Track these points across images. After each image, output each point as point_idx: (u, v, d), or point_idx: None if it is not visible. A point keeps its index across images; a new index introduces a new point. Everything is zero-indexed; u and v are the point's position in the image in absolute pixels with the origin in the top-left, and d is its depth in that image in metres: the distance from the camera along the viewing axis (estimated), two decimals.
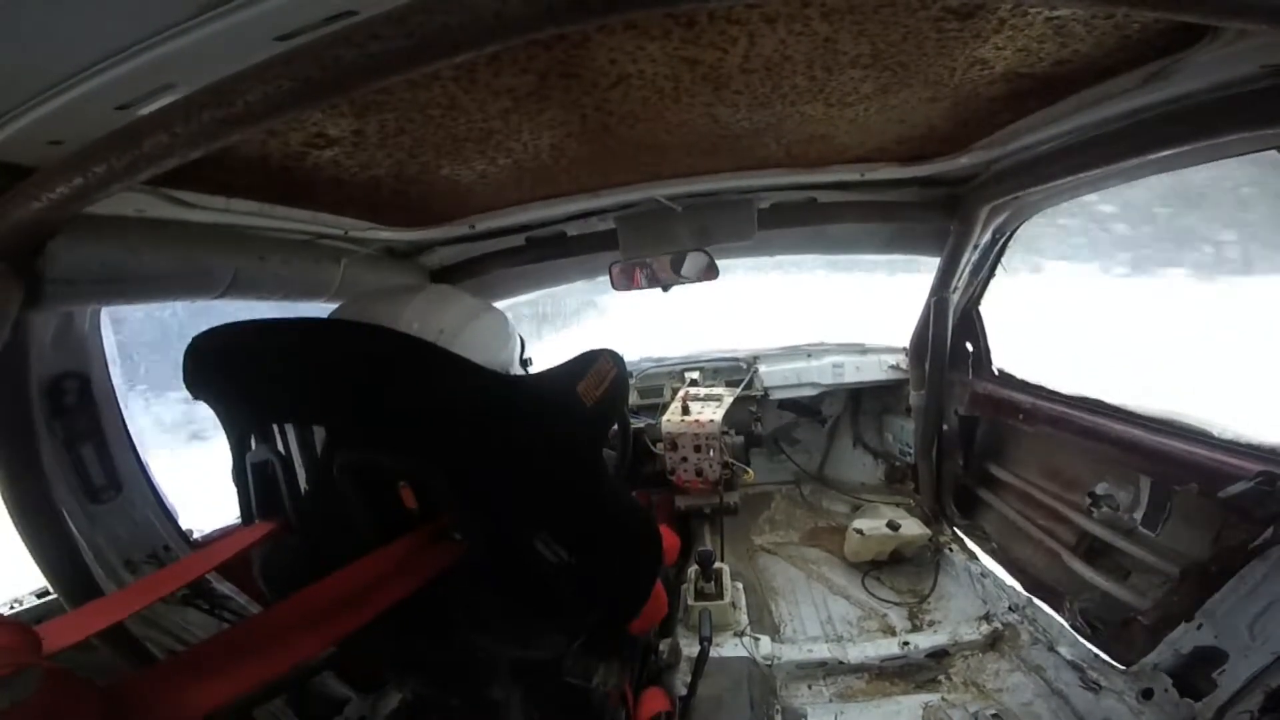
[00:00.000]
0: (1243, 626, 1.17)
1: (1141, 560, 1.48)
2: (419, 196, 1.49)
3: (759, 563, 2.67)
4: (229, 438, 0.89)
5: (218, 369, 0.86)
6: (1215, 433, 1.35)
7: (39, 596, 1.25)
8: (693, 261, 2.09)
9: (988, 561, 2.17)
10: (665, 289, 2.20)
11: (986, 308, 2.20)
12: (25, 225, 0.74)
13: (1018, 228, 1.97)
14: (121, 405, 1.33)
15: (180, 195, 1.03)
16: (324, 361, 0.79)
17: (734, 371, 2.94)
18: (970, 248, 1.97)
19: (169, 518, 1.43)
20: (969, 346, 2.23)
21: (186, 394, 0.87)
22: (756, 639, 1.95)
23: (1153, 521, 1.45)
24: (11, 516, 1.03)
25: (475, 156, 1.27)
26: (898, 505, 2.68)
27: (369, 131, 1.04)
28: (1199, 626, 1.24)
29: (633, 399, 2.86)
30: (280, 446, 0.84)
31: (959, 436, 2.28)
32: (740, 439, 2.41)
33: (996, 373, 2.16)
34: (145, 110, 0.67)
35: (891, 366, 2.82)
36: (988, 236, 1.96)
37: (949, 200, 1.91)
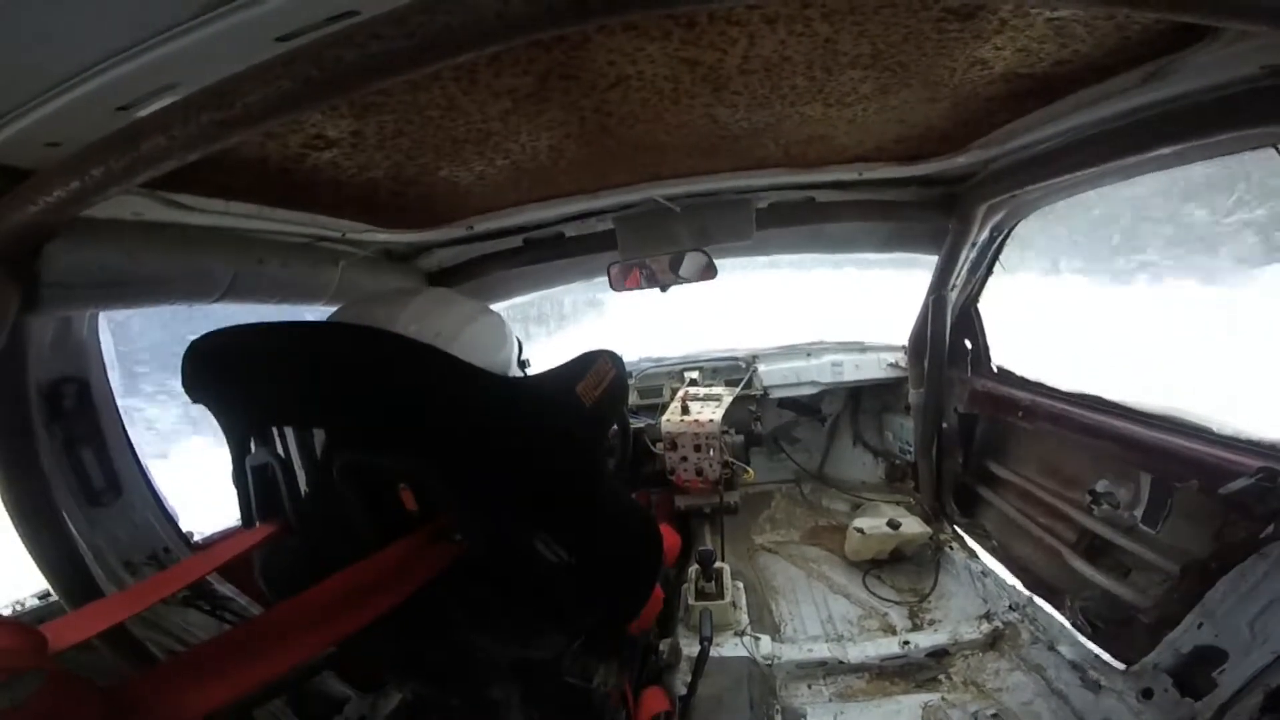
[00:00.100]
0: (1243, 625, 1.17)
1: (1142, 558, 1.49)
2: (417, 198, 1.49)
3: (759, 562, 2.67)
4: (228, 440, 0.89)
5: (217, 372, 0.86)
6: (1215, 429, 1.35)
7: (40, 598, 1.25)
8: (691, 261, 2.09)
9: (988, 560, 2.17)
10: (664, 289, 2.19)
11: (985, 305, 2.21)
12: (23, 228, 0.74)
13: (1015, 225, 1.97)
14: (120, 408, 1.33)
15: (178, 198, 1.02)
16: (323, 364, 0.79)
17: (733, 371, 2.94)
18: (968, 246, 1.97)
19: (169, 520, 1.43)
20: (968, 344, 2.24)
21: None
22: (757, 638, 1.95)
23: (1153, 519, 1.45)
24: (12, 519, 1.03)
25: (474, 158, 1.27)
26: (898, 504, 2.68)
27: (368, 133, 1.04)
28: (1199, 625, 1.25)
29: (632, 399, 2.86)
30: (280, 449, 0.84)
31: (959, 434, 2.28)
32: (740, 438, 2.41)
33: (995, 370, 2.16)
34: (144, 112, 0.67)
35: (891, 365, 2.82)
36: (985, 235, 1.96)
37: (947, 199, 1.92)
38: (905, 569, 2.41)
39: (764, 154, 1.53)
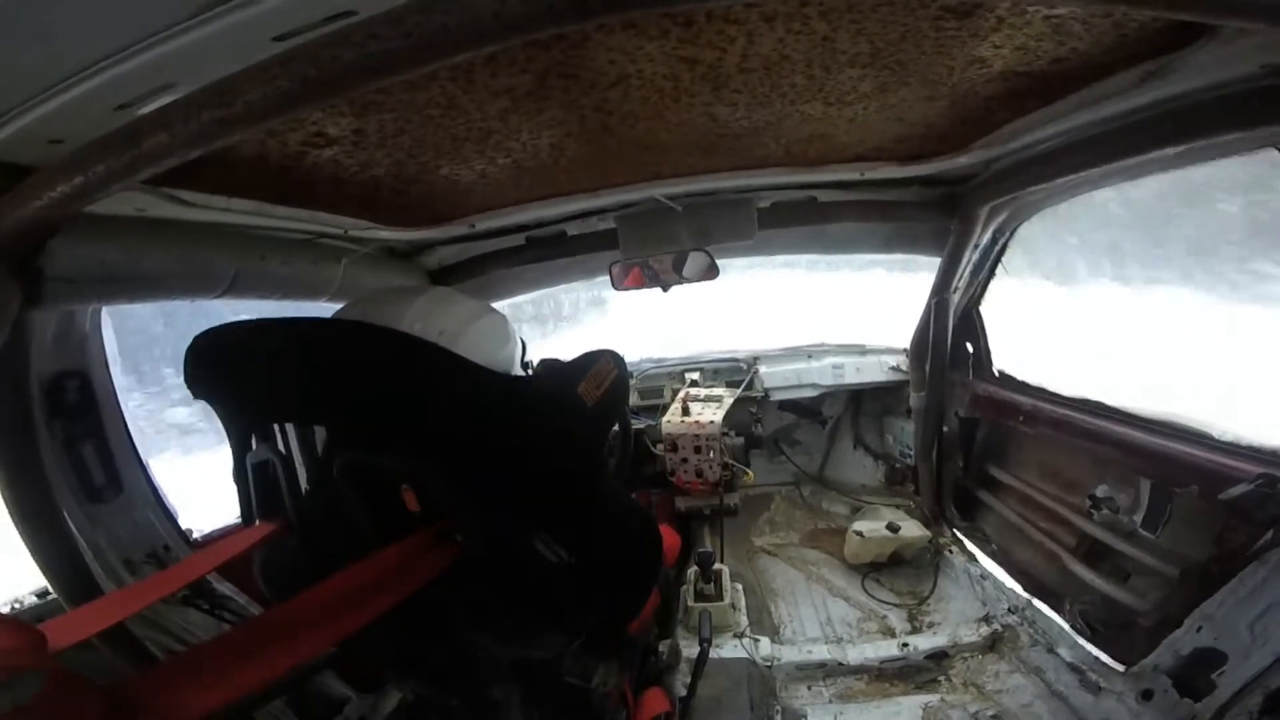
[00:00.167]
0: (1243, 628, 1.16)
1: (1141, 562, 1.48)
2: (419, 196, 1.50)
3: (759, 564, 2.66)
4: (230, 437, 0.89)
5: (219, 368, 0.86)
6: (1215, 435, 1.35)
7: (39, 596, 1.25)
8: (693, 261, 2.09)
9: (987, 563, 2.16)
10: (665, 289, 2.19)
11: (987, 308, 2.20)
12: (25, 224, 0.74)
13: (1018, 227, 1.97)
14: (121, 405, 1.34)
15: (180, 194, 1.03)
16: (325, 362, 0.79)
17: (734, 372, 2.94)
18: (970, 247, 1.97)
19: (169, 518, 1.43)
20: (969, 347, 2.23)
21: None
22: (756, 640, 1.95)
23: (1153, 524, 1.45)
24: (11, 516, 1.03)
25: (475, 156, 1.27)
26: (898, 507, 2.68)
27: (368, 131, 1.04)
28: (1199, 628, 1.24)
29: (633, 400, 2.87)
30: (281, 446, 0.84)
31: (959, 438, 2.28)
32: (740, 440, 2.41)
33: (997, 374, 2.15)
34: (145, 110, 0.67)
35: (892, 368, 2.81)
36: (988, 236, 1.96)
37: (949, 200, 1.91)
38: (904, 572, 2.41)
39: (764, 153, 1.54)
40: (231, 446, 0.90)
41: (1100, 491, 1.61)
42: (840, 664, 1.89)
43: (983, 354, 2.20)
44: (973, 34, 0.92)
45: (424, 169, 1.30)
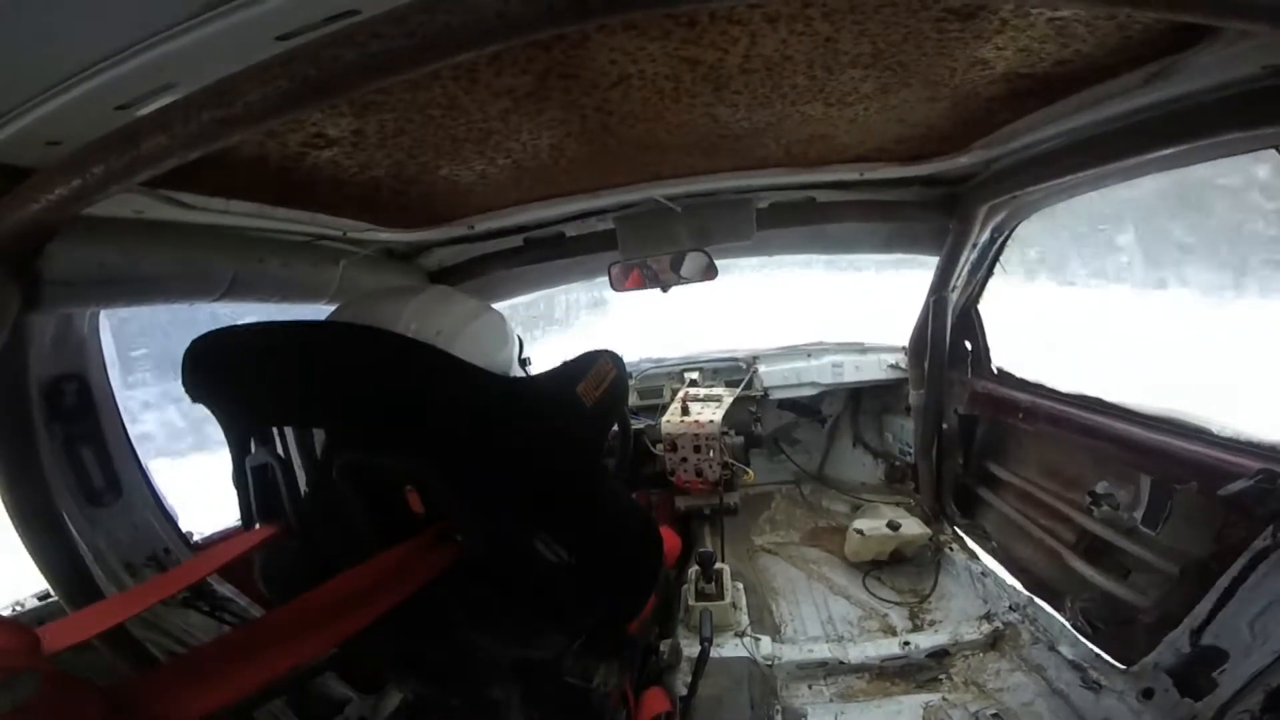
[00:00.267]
0: (1243, 626, 1.17)
1: (1142, 559, 1.48)
2: (418, 197, 1.49)
3: (759, 563, 2.67)
4: (228, 441, 0.89)
5: (217, 372, 0.86)
6: (1215, 431, 1.35)
7: (40, 599, 1.25)
8: (692, 261, 2.09)
9: (988, 561, 2.17)
10: (664, 289, 2.19)
11: (985, 307, 2.21)
12: (24, 227, 0.74)
13: (1016, 227, 1.97)
14: (120, 408, 1.33)
15: (179, 196, 1.02)
16: (323, 364, 0.79)
17: (733, 372, 2.94)
18: (969, 247, 1.97)
19: (169, 520, 1.43)
20: (968, 345, 2.23)
21: None
22: (757, 639, 1.95)
23: (1153, 520, 1.45)
24: (11, 519, 1.02)
25: (474, 157, 1.27)
26: (898, 505, 2.68)
27: (368, 132, 1.04)
28: (1199, 626, 1.24)
29: (632, 399, 2.86)
30: (280, 449, 0.84)
31: (959, 436, 2.28)
32: (740, 439, 2.41)
33: (995, 371, 2.16)
34: (144, 111, 0.67)
35: (891, 366, 2.82)
36: (986, 235, 1.96)
37: (948, 199, 1.91)
38: (905, 570, 2.41)
39: (765, 153, 1.53)
40: (230, 450, 0.89)
41: (1100, 488, 1.61)
42: (841, 663, 1.90)
43: (981, 352, 2.20)
44: (975, 36, 0.92)
45: (424, 170, 1.30)
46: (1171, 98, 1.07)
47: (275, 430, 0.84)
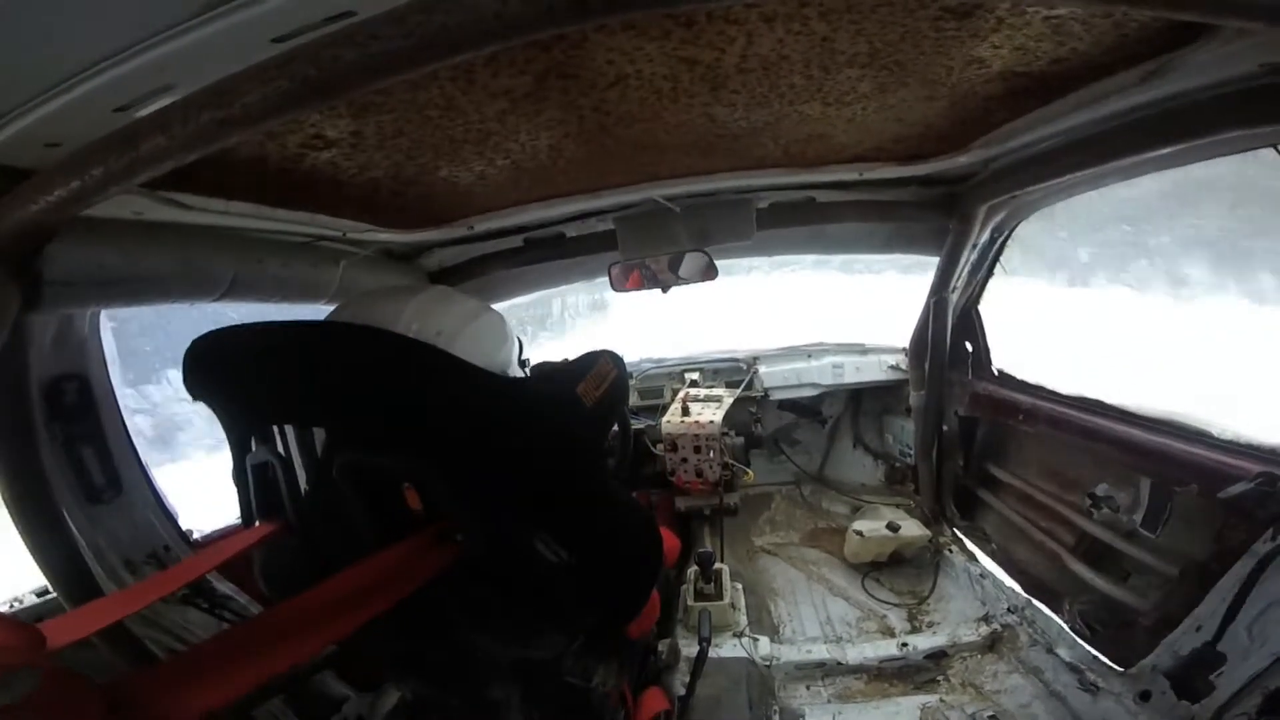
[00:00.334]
0: (1241, 629, 1.16)
1: (1141, 561, 1.48)
2: (417, 198, 1.49)
3: (759, 563, 2.66)
4: (229, 439, 0.90)
5: (217, 371, 0.86)
6: (1215, 433, 1.35)
7: (39, 595, 1.25)
8: (692, 262, 2.09)
9: (987, 563, 2.16)
10: (664, 290, 2.19)
11: (985, 307, 2.20)
12: (24, 228, 0.74)
13: (1016, 226, 1.97)
14: (120, 406, 1.34)
15: (178, 197, 1.03)
16: (323, 363, 0.79)
17: (734, 372, 2.94)
18: (969, 247, 1.97)
19: (169, 518, 1.43)
20: (968, 346, 2.23)
21: None
22: (755, 640, 1.95)
23: (1152, 523, 1.45)
24: (12, 517, 1.03)
25: (473, 158, 1.27)
26: (898, 506, 2.68)
27: (367, 133, 1.04)
28: (1197, 628, 1.24)
29: (633, 400, 2.86)
30: (280, 448, 0.84)
31: (959, 437, 2.28)
32: (740, 440, 2.41)
33: (996, 373, 2.16)
34: (143, 112, 0.67)
35: (891, 367, 2.81)
36: (986, 235, 1.96)
37: (947, 199, 1.91)
38: (904, 571, 2.41)
39: (763, 153, 1.54)
40: (231, 448, 0.90)
41: (1100, 490, 1.61)
42: (839, 664, 1.90)
43: (982, 353, 2.20)
44: (972, 34, 0.92)
45: (423, 170, 1.30)
46: (1169, 96, 1.07)
47: (275, 429, 0.84)
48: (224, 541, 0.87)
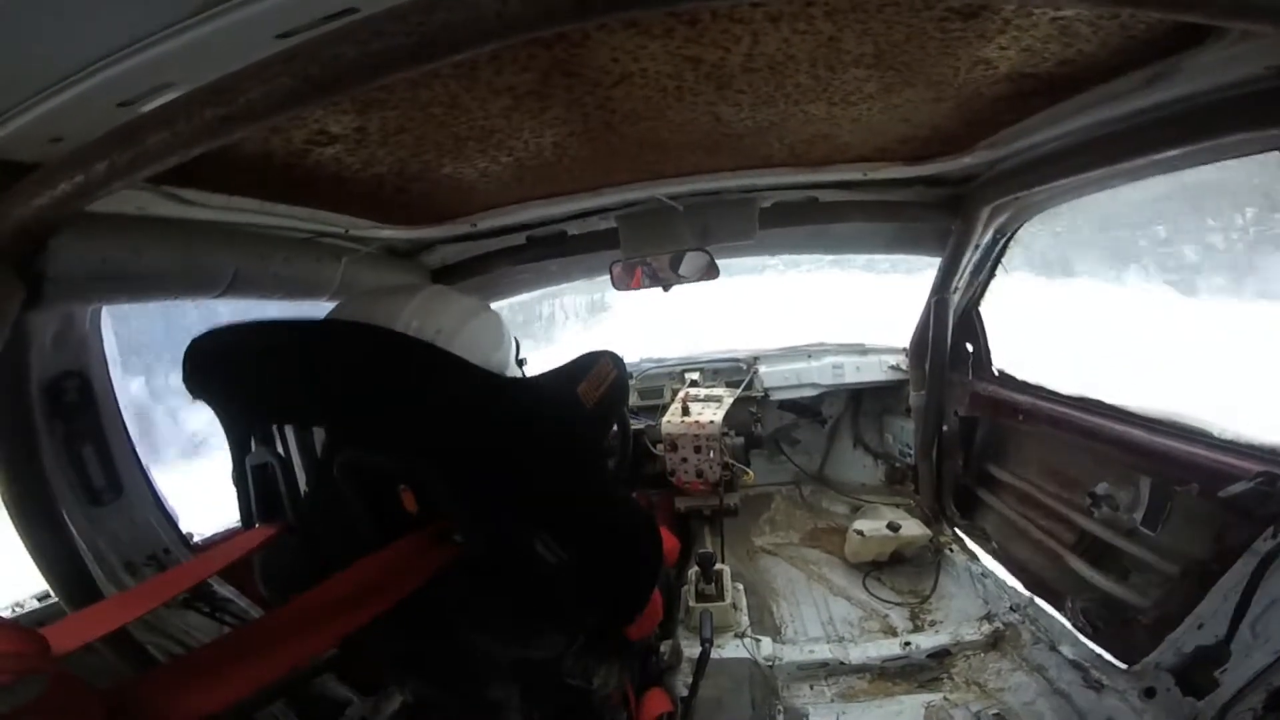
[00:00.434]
0: (1245, 626, 1.16)
1: (1142, 560, 1.48)
2: (420, 194, 1.49)
3: (759, 564, 2.66)
4: (229, 439, 0.89)
5: (217, 370, 0.86)
6: (1215, 433, 1.35)
7: (39, 599, 1.25)
8: (693, 261, 2.09)
9: (988, 562, 2.17)
10: (666, 288, 2.19)
11: (987, 308, 2.21)
12: (26, 223, 0.74)
13: (1018, 228, 1.97)
14: (121, 406, 1.33)
15: (182, 193, 1.02)
16: (323, 362, 0.79)
17: (734, 372, 2.94)
18: (971, 248, 1.97)
19: (169, 520, 1.43)
20: (969, 347, 2.23)
21: None
22: (758, 640, 1.95)
23: (1153, 522, 1.45)
24: (12, 518, 1.02)
25: (477, 155, 1.27)
26: (898, 506, 2.68)
27: (371, 129, 1.04)
28: (1200, 625, 1.24)
29: (633, 400, 2.86)
30: (280, 448, 0.84)
31: (959, 437, 2.28)
32: (740, 440, 2.41)
33: (996, 373, 2.16)
34: (146, 107, 0.67)
35: (892, 367, 2.81)
36: (989, 236, 1.96)
37: (951, 200, 1.91)
38: (905, 571, 2.41)
39: (768, 153, 1.53)
40: (230, 449, 0.89)
41: (1100, 489, 1.61)
42: (842, 663, 1.90)
43: (982, 353, 2.20)
44: (979, 35, 0.91)
45: (426, 167, 1.30)
46: (1175, 98, 1.07)
47: (275, 429, 0.84)
48: (224, 545, 0.86)
